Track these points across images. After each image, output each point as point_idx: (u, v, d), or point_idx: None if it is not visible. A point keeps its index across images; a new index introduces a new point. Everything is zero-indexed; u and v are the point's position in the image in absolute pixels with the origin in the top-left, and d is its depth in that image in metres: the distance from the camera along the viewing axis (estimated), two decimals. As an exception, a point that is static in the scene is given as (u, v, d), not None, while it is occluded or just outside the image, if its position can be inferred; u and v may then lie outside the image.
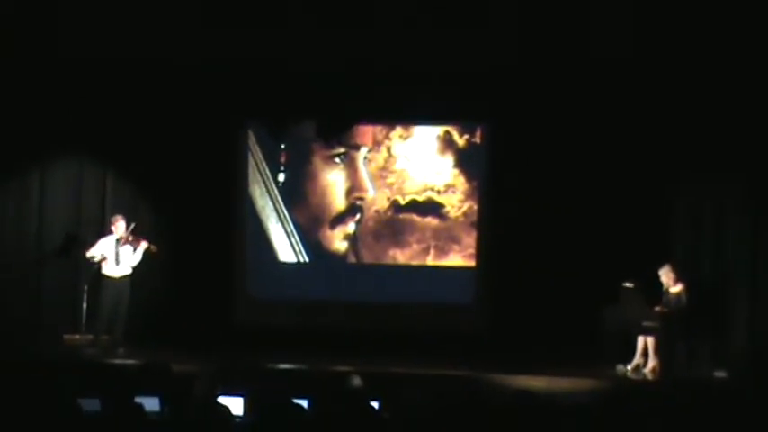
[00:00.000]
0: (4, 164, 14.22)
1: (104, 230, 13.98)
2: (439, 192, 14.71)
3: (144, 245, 13.52)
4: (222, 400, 7.33)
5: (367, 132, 14.85)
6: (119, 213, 13.76)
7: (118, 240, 13.50)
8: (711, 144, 13.07)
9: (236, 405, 7.67)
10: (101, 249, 13.50)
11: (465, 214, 14.66)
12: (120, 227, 13.53)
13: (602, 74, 13.35)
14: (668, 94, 13.20)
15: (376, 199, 14.81)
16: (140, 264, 13.62)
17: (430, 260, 14.73)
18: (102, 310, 13.48)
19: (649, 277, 12.68)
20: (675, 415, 10.12)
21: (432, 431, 6.79)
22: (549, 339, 13.28)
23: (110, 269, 13.49)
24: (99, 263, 13.48)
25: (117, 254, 13.49)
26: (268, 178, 14.95)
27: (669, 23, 12.19)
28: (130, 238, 13.52)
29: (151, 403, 7.01)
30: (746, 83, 12.72)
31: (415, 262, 14.76)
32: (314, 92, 13.51)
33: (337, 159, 14.90)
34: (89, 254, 13.53)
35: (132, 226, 13.58)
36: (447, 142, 14.75)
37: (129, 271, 13.56)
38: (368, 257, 14.89)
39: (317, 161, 14.95)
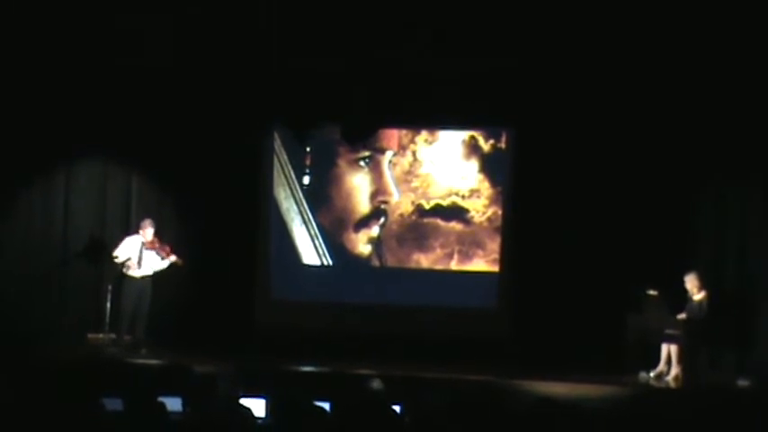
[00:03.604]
0: (30, 164, 14.30)
1: (129, 231, 14.04)
2: (463, 196, 14.69)
3: (172, 258, 13.58)
4: (244, 401, 7.35)
5: (392, 136, 14.85)
6: (148, 218, 13.79)
7: (143, 244, 13.55)
8: (735, 151, 13.04)
9: (258, 407, 7.70)
10: (126, 249, 13.54)
11: (489, 219, 14.64)
12: (148, 233, 13.58)
13: (628, 80, 13.33)
14: (693, 101, 13.17)
15: (400, 203, 14.81)
16: (169, 267, 13.71)
17: (454, 265, 14.71)
18: (123, 309, 13.55)
19: (673, 285, 12.65)
20: (698, 423, 10.10)
21: (452, 436, 6.80)
22: (572, 345, 13.26)
23: (132, 270, 13.54)
24: (124, 263, 13.53)
25: (141, 257, 13.53)
26: (293, 181, 14.97)
27: (690, 29, 12.18)
28: (157, 245, 13.56)
29: (173, 403, 7.04)
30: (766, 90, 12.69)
31: (438, 266, 14.74)
32: (340, 95, 13.53)
33: (362, 163, 14.91)
34: (115, 253, 13.57)
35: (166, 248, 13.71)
36: (472, 147, 14.74)
37: (150, 273, 13.61)
38: (392, 261, 14.89)
39: (342, 164, 14.96)
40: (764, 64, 12.48)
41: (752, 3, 11.84)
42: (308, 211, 14.96)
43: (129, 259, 13.51)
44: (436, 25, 12.55)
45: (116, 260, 13.55)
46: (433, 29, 12.60)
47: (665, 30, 12.30)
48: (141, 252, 13.55)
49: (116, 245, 13.71)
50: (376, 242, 14.88)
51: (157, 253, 13.57)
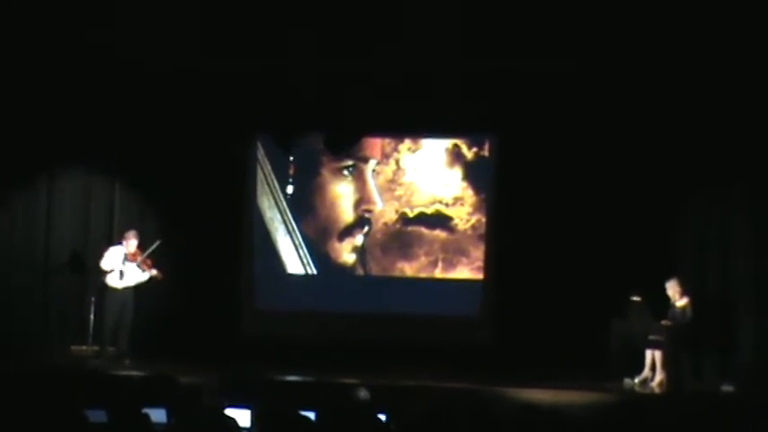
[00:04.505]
0: (13, 174, 14.23)
1: (112, 242, 13.99)
2: (447, 204, 14.71)
3: (153, 272, 13.53)
4: (229, 411, 7.33)
5: (375, 145, 14.87)
6: (132, 230, 13.74)
7: (126, 255, 13.50)
8: (718, 158, 13.08)
9: (243, 417, 7.67)
10: (110, 260, 13.50)
11: (473, 227, 14.66)
12: (131, 244, 13.53)
13: (611, 85, 13.36)
14: (676, 109, 13.22)
15: (384, 211, 14.82)
16: (150, 280, 13.65)
17: (438, 273, 14.73)
18: (106, 320, 13.48)
19: (656, 291, 12.68)
20: (682, 429, 10.12)
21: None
22: (557, 352, 13.27)
23: (113, 280, 13.50)
24: (109, 275, 13.47)
25: (123, 268, 13.48)
26: (276, 190, 14.97)
27: (674, 39, 12.24)
28: (139, 258, 13.51)
29: (158, 415, 7.02)
30: (752, 96, 12.72)
31: (422, 274, 14.76)
32: (323, 104, 13.55)
33: (346, 172, 14.91)
34: (103, 265, 13.51)
35: (157, 243, 13.62)
36: (455, 155, 14.76)
37: (131, 284, 13.57)
38: (376, 270, 14.89)
39: (326, 173, 14.97)
40: (748, 72, 12.52)
41: (731, 12, 11.86)
42: (292, 221, 14.96)
43: (118, 272, 13.46)
44: (419, 32, 12.56)
45: (105, 271, 13.49)
46: (417, 35, 12.62)
47: (648, 38, 12.33)
48: (124, 263, 13.50)
49: (99, 255, 13.66)
50: (360, 251, 14.89)
51: (139, 266, 13.52)
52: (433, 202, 14.74)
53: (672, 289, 12.68)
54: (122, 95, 14.13)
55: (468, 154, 14.75)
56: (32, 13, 12.60)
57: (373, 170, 14.85)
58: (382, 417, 7.51)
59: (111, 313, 13.44)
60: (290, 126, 14.00)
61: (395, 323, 14.43)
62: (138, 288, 13.60)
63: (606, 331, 12.74)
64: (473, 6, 12.28)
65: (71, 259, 14.42)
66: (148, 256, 13.60)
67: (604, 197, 13.63)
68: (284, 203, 14.99)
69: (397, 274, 14.83)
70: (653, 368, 12.75)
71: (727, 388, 12.56)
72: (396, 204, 14.80)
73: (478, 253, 14.66)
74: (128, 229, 13.82)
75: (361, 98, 13.51)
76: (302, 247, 14.95)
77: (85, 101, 14.11)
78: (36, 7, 12.58)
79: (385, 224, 14.83)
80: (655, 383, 12.65)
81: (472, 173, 14.72)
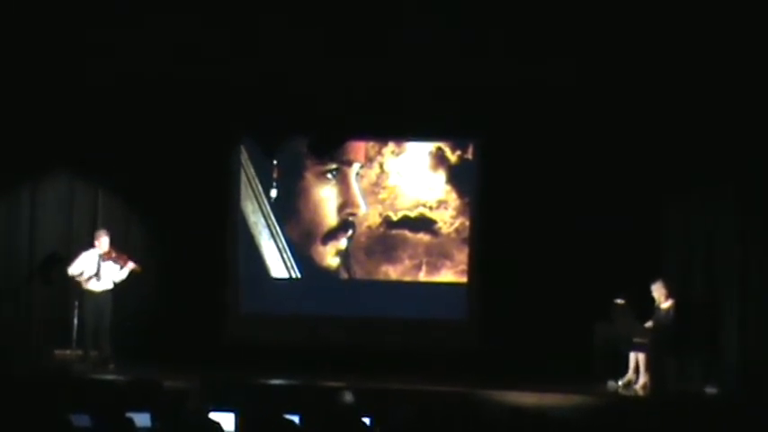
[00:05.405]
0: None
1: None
2: (431, 208, 14.71)
3: (131, 265, 13.48)
4: (214, 415, 7.32)
5: (359, 148, 14.86)
6: (103, 229, 13.72)
7: (101, 256, 13.45)
8: (702, 161, 13.10)
9: (227, 421, 7.67)
10: (83, 264, 13.44)
11: (457, 230, 14.66)
12: (103, 242, 13.48)
13: (593, 89, 13.38)
14: (661, 111, 13.23)
15: (368, 215, 14.81)
16: (132, 279, 13.58)
17: (422, 276, 14.72)
18: (86, 325, 13.42)
19: (641, 294, 12.70)
20: (666, 431, 10.14)
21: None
22: (541, 355, 13.29)
23: (91, 284, 13.44)
24: (85, 279, 13.40)
25: (99, 269, 13.42)
26: (260, 194, 14.95)
27: (656, 41, 12.27)
28: (114, 255, 13.47)
29: (142, 419, 7.01)
30: (736, 98, 12.75)
31: (407, 278, 14.74)
32: (306, 108, 13.55)
33: (329, 175, 14.90)
34: (71, 271, 13.46)
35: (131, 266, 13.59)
36: (439, 158, 14.76)
37: (110, 285, 13.52)
38: (360, 273, 14.88)
39: (310, 177, 14.94)
40: (733, 73, 12.54)
41: (712, 15, 11.91)
42: (276, 225, 14.94)
43: (91, 276, 13.40)
44: (404, 37, 12.57)
45: (74, 276, 13.43)
46: (402, 41, 12.63)
47: (631, 40, 12.36)
48: (99, 264, 13.44)
49: (72, 259, 13.60)
50: (344, 254, 14.88)
51: (115, 262, 13.47)
52: (417, 206, 14.74)
53: (657, 291, 12.72)
54: (105, 101, 14.08)
55: (452, 157, 14.75)
56: (16, 18, 12.56)
57: (357, 174, 14.84)
58: (367, 420, 7.50)
59: (89, 317, 13.38)
60: (274, 130, 13.99)
61: (379, 327, 14.43)
62: (121, 289, 13.56)
63: (590, 334, 12.76)
64: (460, 13, 12.29)
65: (45, 261, 14.32)
66: (123, 251, 13.56)
67: (589, 199, 13.65)
68: (268, 207, 14.96)
69: (381, 277, 14.82)
70: (636, 370, 12.78)
71: (710, 390, 12.59)
72: (379, 208, 14.79)
73: (462, 256, 14.66)
74: (98, 230, 13.78)
75: (345, 101, 13.52)
76: (286, 251, 14.93)
77: (69, 107, 14.05)
78: (18, 12, 12.55)
79: (369, 228, 14.82)
80: (639, 386, 12.67)
81: (456, 176, 14.72)
